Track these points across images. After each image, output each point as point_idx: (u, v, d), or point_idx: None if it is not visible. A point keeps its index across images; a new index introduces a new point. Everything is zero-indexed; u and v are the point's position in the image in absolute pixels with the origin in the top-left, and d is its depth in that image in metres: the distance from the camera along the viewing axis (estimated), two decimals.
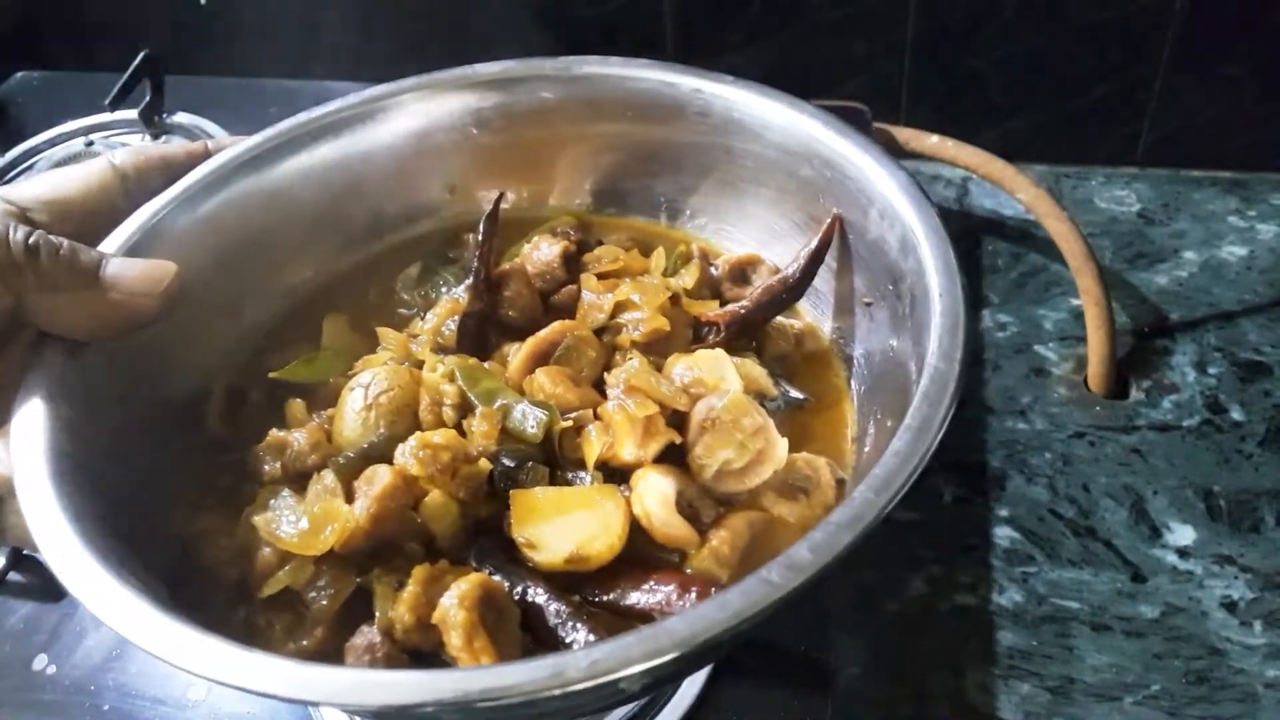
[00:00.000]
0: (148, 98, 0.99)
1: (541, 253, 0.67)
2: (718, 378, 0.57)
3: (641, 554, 0.52)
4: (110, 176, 0.60)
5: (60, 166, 0.94)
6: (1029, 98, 0.94)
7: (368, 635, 0.48)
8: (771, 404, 0.60)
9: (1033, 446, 0.76)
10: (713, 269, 0.69)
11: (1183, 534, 0.71)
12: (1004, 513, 0.73)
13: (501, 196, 0.66)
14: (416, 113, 0.71)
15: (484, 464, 0.52)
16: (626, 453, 0.53)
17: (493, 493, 0.53)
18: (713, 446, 0.54)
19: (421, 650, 0.48)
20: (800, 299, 0.65)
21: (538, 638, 0.48)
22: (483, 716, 0.41)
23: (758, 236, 0.71)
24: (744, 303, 0.63)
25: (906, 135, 0.85)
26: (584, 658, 0.37)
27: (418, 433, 0.52)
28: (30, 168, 0.98)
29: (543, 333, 0.60)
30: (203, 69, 1.08)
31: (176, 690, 0.67)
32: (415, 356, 0.62)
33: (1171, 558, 0.70)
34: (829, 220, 0.64)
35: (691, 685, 0.65)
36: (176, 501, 0.57)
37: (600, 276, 0.66)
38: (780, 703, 0.64)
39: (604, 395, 0.58)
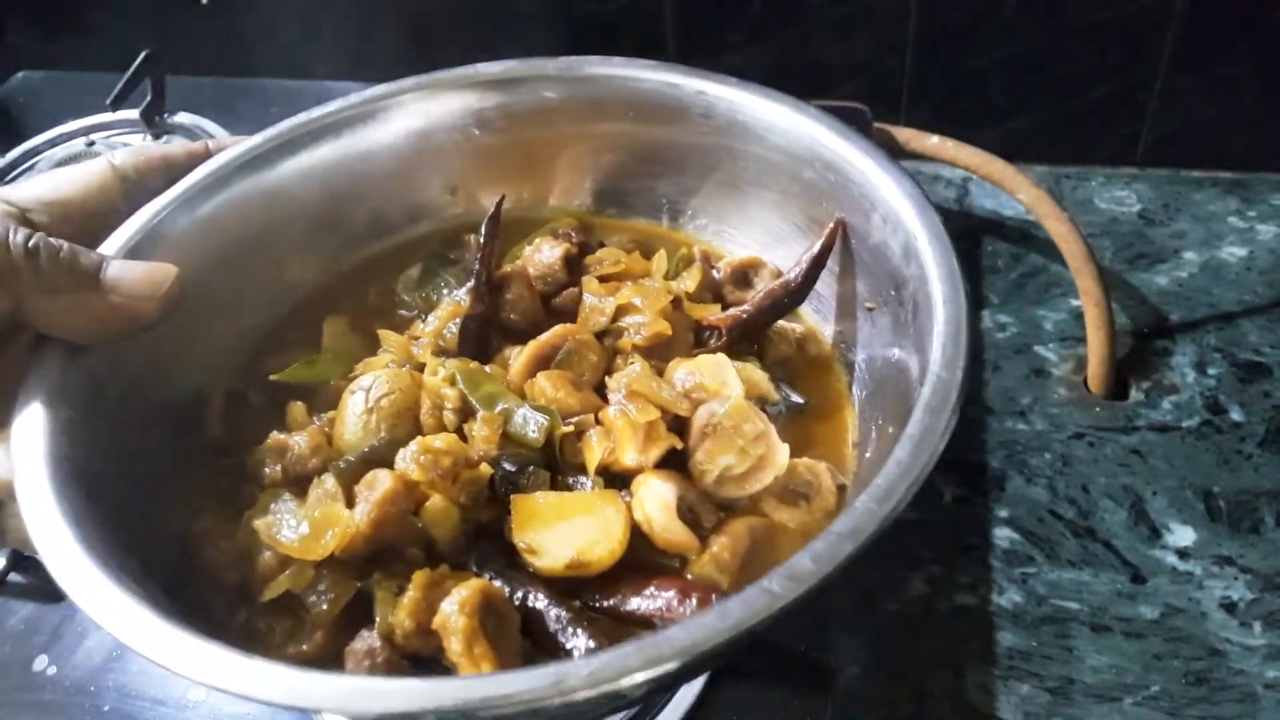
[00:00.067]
0: (149, 98, 0.99)
1: (543, 255, 0.67)
2: (719, 382, 0.57)
3: (642, 559, 0.52)
4: (110, 177, 0.60)
5: (61, 166, 0.94)
6: (1029, 98, 0.94)
7: (368, 640, 0.48)
8: (773, 409, 0.60)
9: (1032, 447, 0.76)
10: (714, 272, 0.68)
11: (1182, 535, 0.71)
12: (1004, 513, 0.73)
13: (503, 199, 0.66)
14: (417, 113, 0.71)
15: (485, 469, 0.52)
16: (628, 458, 0.53)
17: (493, 497, 0.53)
18: (714, 452, 0.54)
19: (421, 655, 0.48)
20: (802, 303, 0.65)
21: (538, 643, 0.48)
22: None
23: (760, 239, 0.70)
24: (746, 307, 0.63)
25: (907, 135, 0.85)
26: (584, 666, 0.37)
27: (419, 437, 0.52)
28: (31, 168, 0.98)
29: (544, 336, 0.60)
30: (204, 69, 1.07)
31: (176, 691, 0.68)
32: (416, 359, 0.62)
33: (1171, 558, 0.70)
34: (832, 224, 0.64)
35: (691, 686, 0.65)
36: (176, 504, 0.57)
37: (602, 279, 0.66)
38: (780, 703, 0.64)
39: (605, 399, 0.58)
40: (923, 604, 0.69)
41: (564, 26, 0.94)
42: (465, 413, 0.56)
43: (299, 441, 0.56)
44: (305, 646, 0.50)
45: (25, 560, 0.75)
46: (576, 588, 0.51)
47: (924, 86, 0.94)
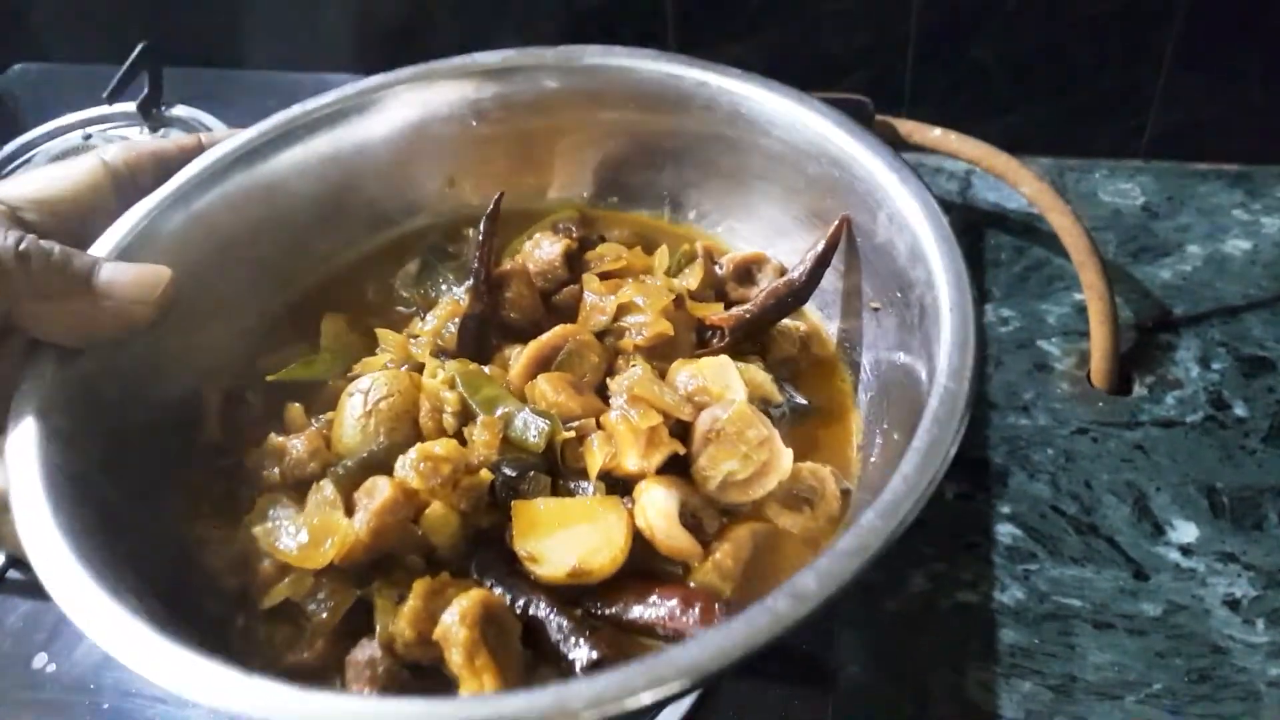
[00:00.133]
0: (146, 91, 0.97)
1: (543, 251, 0.66)
2: (722, 386, 0.56)
3: (645, 566, 0.52)
4: (101, 174, 0.59)
5: (58, 160, 0.93)
6: (1033, 90, 0.93)
7: (368, 650, 0.48)
8: (776, 410, 0.59)
9: (1035, 442, 0.76)
10: (717, 267, 0.68)
11: (1185, 531, 0.71)
12: (1006, 509, 0.73)
13: (501, 197, 0.65)
14: (413, 103, 0.70)
15: (485, 475, 0.52)
16: (630, 464, 0.53)
17: (494, 503, 0.52)
18: (717, 458, 0.53)
19: (422, 665, 0.48)
20: (806, 302, 0.64)
21: (540, 653, 0.48)
22: None
23: (763, 233, 0.70)
24: (748, 306, 0.62)
25: (909, 128, 0.84)
26: (586, 688, 0.36)
27: (418, 444, 0.52)
28: (28, 161, 0.97)
29: (544, 337, 0.59)
30: (201, 61, 1.06)
31: None
32: (415, 359, 0.61)
33: (1174, 555, 0.70)
34: (837, 221, 0.63)
35: None
36: (174, 508, 0.56)
37: (603, 276, 0.65)
38: (781, 702, 0.64)
39: (606, 401, 0.57)
40: (924, 601, 0.69)
41: (562, 16, 0.93)
42: (465, 416, 0.56)
43: (297, 445, 0.55)
44: (306, 655, 0.49)
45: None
46: (578, 595, 0.51)
47: (927, 79, 0.93)
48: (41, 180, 0.57)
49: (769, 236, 0.69)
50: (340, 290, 0.69)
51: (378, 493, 0.50)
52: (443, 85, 0.70)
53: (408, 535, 0.50)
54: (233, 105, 1.00)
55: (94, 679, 0.68)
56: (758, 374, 0.59)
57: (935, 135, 0.83)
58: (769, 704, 0.63)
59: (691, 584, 0.51)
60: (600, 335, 0.61)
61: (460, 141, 0.71)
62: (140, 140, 0.63)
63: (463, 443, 0.54)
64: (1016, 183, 0.81)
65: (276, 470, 0.55)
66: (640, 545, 0.52)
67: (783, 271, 0.66)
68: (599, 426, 0.55)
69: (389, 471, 0.52)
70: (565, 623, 0.48)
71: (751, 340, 0.63)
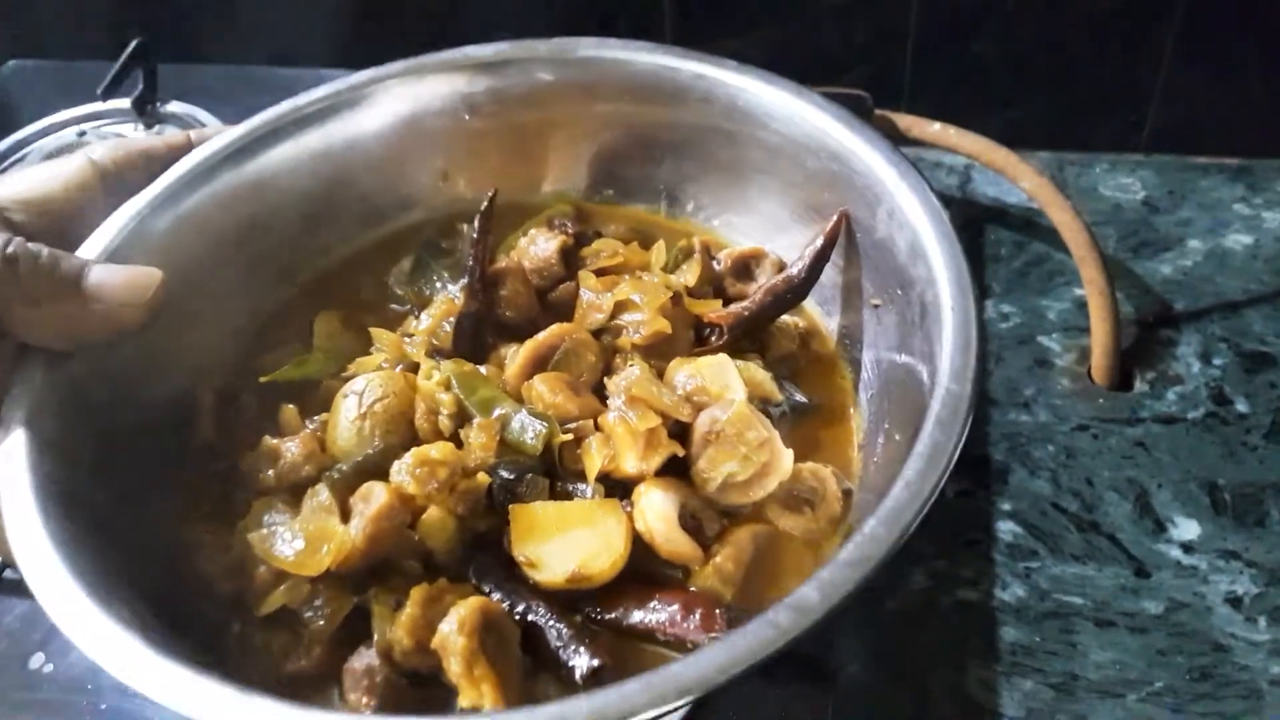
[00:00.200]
0: (140, 87, 0.96)
1: (538, 248, 0.65)
2: (722, 385, 0.56)
3: (645, 569, 0.51)
4: (90, 173, 0.58)
5: (51, 158, 0.92)
6: (1032, 84, 0.93)
7: (366, 658, 0.47)
8: (776, 409, 0.59)
9: (1036, 439, 0.76)
10: (715, 263, 0.67)
11: (1187, 528, 0.71)
12: (1006, 507, 0.72)
13: (495, 194, 0.64)
14: (405, 98, 0.69)
15: (482, 478, 0.51)
16: (628, 465, 0.52)
17: (491, 506, 0.52)
18: (716, 460, 0.52)
19: (421, 673, 0.47)
20: (805, 299, 0.63)
21: (539, 659, 0.48)
22: None
23: (761, 227, 0.69)
24: (747, 304, 0.62)
25: (908, 122, 0.84)
26: (585, 706, 0.36)
27: (414, 449, 0.51)
28: (22, 159, 0.96)
29: (540, 336, 0.58)
30: (197, 57, 1.05)
31: None
32: (410, 359, 0.60)
33: (1175, 552, 0.70)
34: (835, 217, 0.62)
35: None
36: (168, 513, 0.55)
37: (599, 273, 0.64)
38: (781, 702, 0.63)
39: (604, 400, 0.56)
40: (924, 599, 0.69)
41: (558, 9, 0.92)
42: (461, 418, 0.55)
43: (291, 448, 0.55)
44: (303, 663, 0.49)
45: None
46: (577, 599, 0.50)
47: (926, 74, 0.93)
48: (29, 180, 0.56)
49: (767, 231, 0.68)
50: (333, 288, 0.68)
51: (373, 498, 0.49)
52: (434, 79, 0.69)
53: (404, 541, 0.50)
54: (228, 101, 0.99)
55: (91, 679, 0.67)
56: (757, 372, 0.59)
57: (935, 130, 0.83)
58: (769, 704, 0.63)
59: (692, 588, 0.51)
60: (597, 334, 0.60)
61: (453, 135, 0.70)
62: (128, 139, 0.62)
63: (459, 445, 0.53)
64: (1016, 178, 0.80)
65: (271, 473, 0.55)
66: (640, 549, 0.51)
67: (781, 267, 0.66)
68: (597, 428, 0.54)
69: (385, 475, 0.51)
70: (564, 629, 0.47)
71: (750, 337, 0.62)
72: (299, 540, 0.49)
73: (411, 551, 0.50)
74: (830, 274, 0.63)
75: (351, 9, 1.01)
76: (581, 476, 0.53)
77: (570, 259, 0.66)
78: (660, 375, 0.58)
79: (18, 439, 0.49)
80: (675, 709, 0.37)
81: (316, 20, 1.02)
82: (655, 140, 0.70)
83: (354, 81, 0.68)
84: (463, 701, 0.45)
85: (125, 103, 0.97)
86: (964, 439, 0.43)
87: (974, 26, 0.90)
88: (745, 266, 0.67)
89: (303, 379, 0.61)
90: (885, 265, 0.59)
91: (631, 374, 0.56)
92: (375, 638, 0.48)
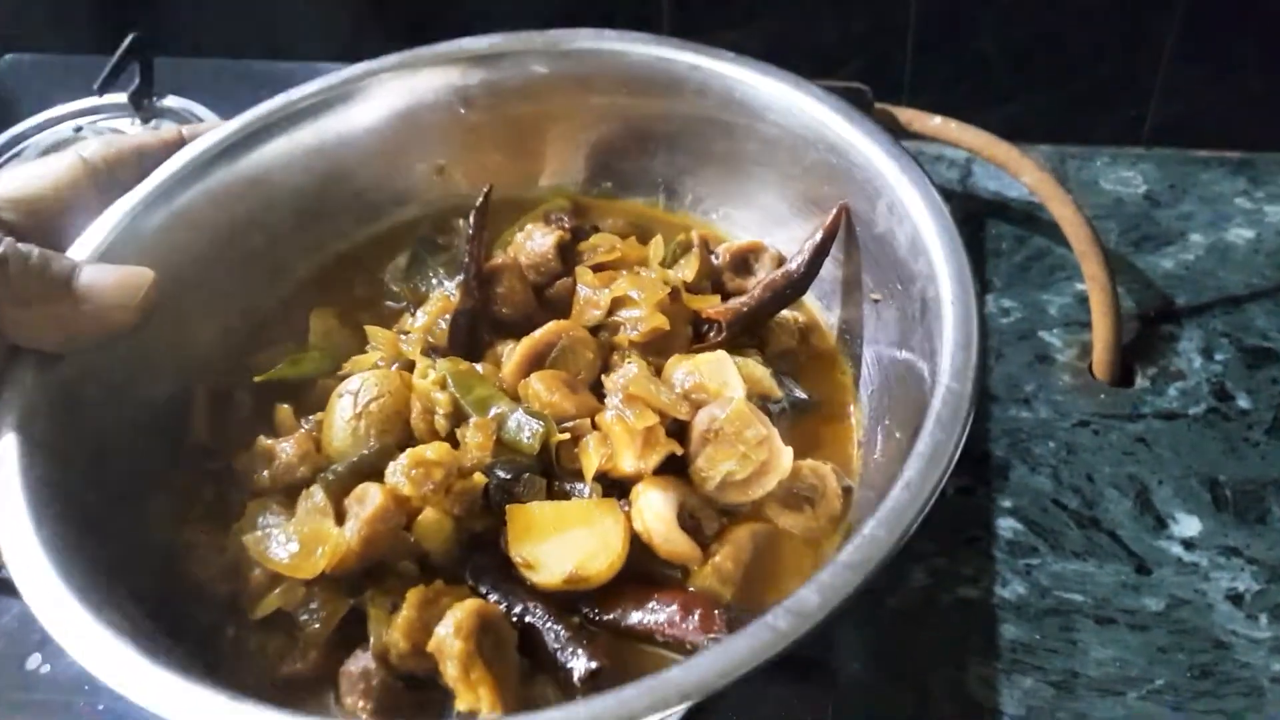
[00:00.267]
0: (137, 81, 0.95)
1: (535, 243, 0.65)
2: (720, 383, 0.55)
3: (643, 569, 0.51)
4: (80, 171, 0.58)
5: (48, 153, 0.91)
6: (1033, 78, 0.92)
7: (362, 661, 0.47)
8: (775, 406, 0.58)
9: (1036, 435, 0.75)
10: (713, 257, 0.66)
11: (1188, 525, 0.70)
12: (1007, 503, 0.72)
13: (490, 190, 0.64)
14: (399, 91, 0.69)
15: (479, 478, 0.51)
16: (626, 464, 0.52)
17: (488, 506, 0.51)
18: (715, 458, 0.52)
19: (417, 676, 0.47)
20: (804, 294, 0.63)
21: (536, 661, 0.47)
22: None
23: (760, 221, 0.68)
24: (745, 299, 0.61)
25: (909, 116, 0.83)
26: (583, 712, 0.35)
27: (409, 450, 0.50)
28: (19, 154, 0.95)
29: (537, 334, 0.58)
30: (194, 50, 1.04)
31: None
32: (405, 356, 0.60)
33: (1176, 549, 0.69)
34: (835, 210, 0.62)
35: None
36: (161, 514, 0.55)
37: (596, 269, 0.64)
38: (781, 701, 0.63)
39: (601, 398, 0.56)
40: (924, 597, 0.68)
41: (558, 4, 0.91)
42: (457, 417, 0.54)
43: (286, 449, 0.54)
44: (299, 666, 0.49)
45: None
46: (575, 600, 0.50)
47: (926, 67, 0.92)
48: (19, 178, 0.56)
49: (766, 224, 0.68)
50: (328, 285, 0.68)
51: (369, 500, 0.48)
52: (428, 72, 0.69)
53: (400, 542, 0.49)
54: (226, 95, 0.98)
55: (89, 679, 0.65)
56: (756, 369, 0.58)
57: (935, 123, 0.82)
58: (769, 703, 0.62)
59: (691, 588, 0.51)
60: (594, 330, 0.60)
61: (448, 129, 0.70)
62: (119, 136, 0.61)
63: (455, 444, 0.53)
64: (1017, 172, 0.80)
65: (266, 474, 0.54)
66: (638, 548, 0.51)
67: (780, 261, 0.65)
68: (594, 427, 0.54)
69: (380, 475, 0.51)
70: (562, 631, 0.47)
71: (749, 333, 0.62)
72: (294, 543, 0.49)
73: (407, 553, 0.50)
74: (830, 268, 0.63)
75: (349, 2, 1.00)
76: (579, 476, 0.53)
77: (567, 254, 0.65)
78: (658, 372, 0.57)
79: (9, 442, 0.48)
80: (674, 713, 0.36)
81: (314, 13, 1.01)
82: (652, 133, 0.70)
83: (347, 75, 0.67)
84: (460, 705, 0.44)
85: (122, 97, 0.96)
86: (964, 439, 0.43)
87: (974, 19, 0.89)
88: (744, 261, 0.66)
89: (297, 378, 0.60)
90: (885, 260, 0.58)
91: (629, 371, 0.55)
92: (371, 641, 0.47)
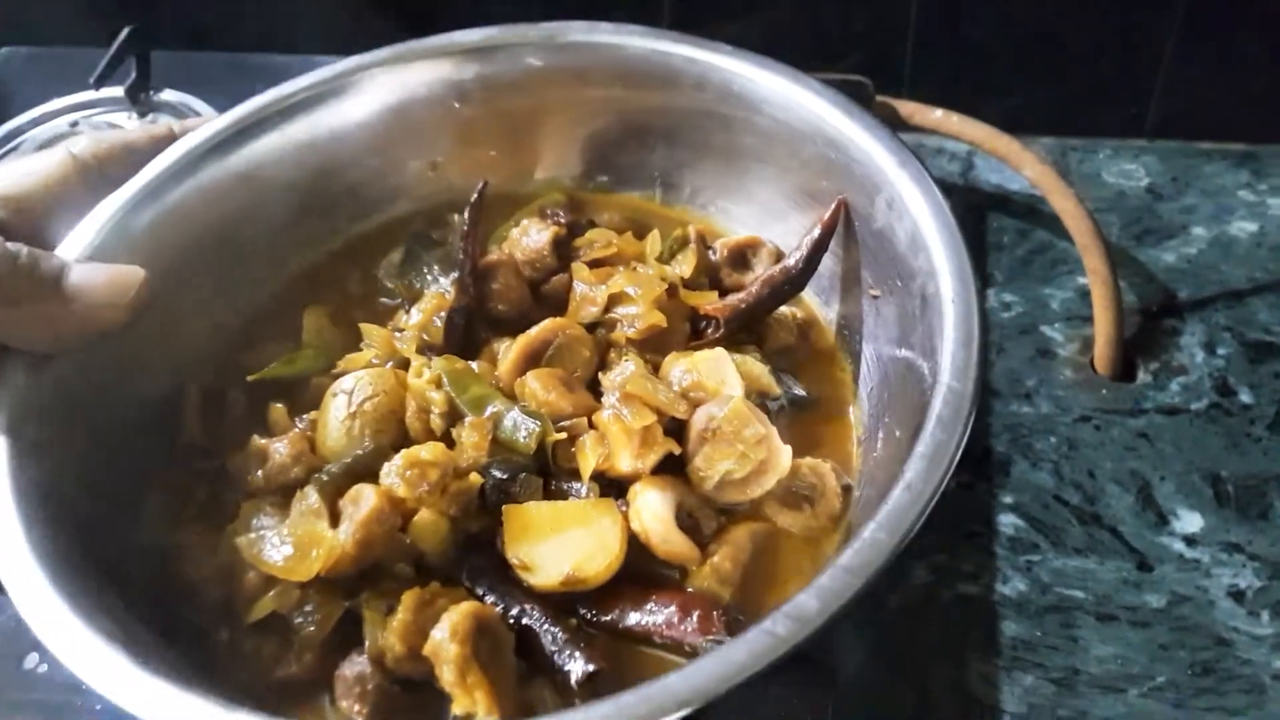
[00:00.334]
0: (133, 75, 0.95)
1: (530, 239, 0.64)
2: (718, 381, 0.54)
3: (641, 569, 0.51)
4: (70, 168, 0.57)
5: (44, 149, 0.90)
6: (1035, 70, 0.91)
7: (358, 665, 0.46)
8: (774, 404, 0.58)
9: (1038, 430, 0.75)
10: (711, 252, 0.66)
11: (1190, 521, 0.70)
12: (1008, 499, 0.71)
13: (485, 185, 0.63)
14: (391, 85, 0.68)
15: (474, 478, 0.50)
16: (623, 464, 0.51)
17: (484, 506, 0.51)
18: (713, 457, 0.51)
19: (413, 679, 0.46)
20: (803, 289, 0.62)
21: (534, 664, 0.47)
22: None
23: (757, 215, 0.68)
24: (743, 295, 0.61)
25: (910, 109, 0.82)
26: (582, 719, 0.35)
27: (404, 451, 0.50)
28: (15, 149, 0.94)
29: (533, 332, 0.57)
30: (190, 43, 1.03)
31: None
32: (400, 354, 0.59)
33: (1178, 545, 0.69)
34: (833, 205, 0.61)
35: None
36: (154, 515, 0.54)
37: (592, 264, 0.63)
38: (781, 700, 0.62)
39: (598, 396, 0.55)
40: (925, 593, 0.68)
41: None
42: (453, 416, 0.54)
43: (280, 449, 0.54)
44: (294, 669, 0.48)
45: None
46: (573, 601, 0.49)
47: (927, 59, 0.91)
48: (7, 176, 0.55)
49: (763, 219, 0.67)
50: (322, 282, 0.67)
51: (363, 502, 0.48)
52: (421, 66, 0.68)
53: (395, 544, 0.49)
54: (223, 89, 0.97)
55: None
56: (754, 366, 0.58)
57: (937, 117, 0.81)
58: (769, 703, 0.62)
59: (689, 589, 0.50)
60: (591, 327, 0.59)
61: (442, 123, 0.69)
62: (109, 132, 0.61)
63: (450, 444, 0.52)
64: (1019, 165, 0.79)
65: (260, 474, 0.54)
66: (636, 548, 0.50)
67: (778, 256, 0.65)
68: (591, 425, 0.53)
69: (375, 476, 0.50)
70: (559, 633, 0.47)
71: (747, 329, 0.61)
72: (288, 545, 0.48)
73: (403, 555, 0.49)
74: (828, 264, 0.62)
75: None
76: (576, 475, 0.52)
77: (563, 250, 0.65)
78: (655, 370, 0.57)
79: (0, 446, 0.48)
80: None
81: (312, 7, 1.00)
82: (649, 126, 0.69)
83: (339, 70, 0.67)
84: (456, 709, 0.44)
85: (118, 91, 0.95)
86: (966, 438, 0.42)
87: (976, 11, 0.89)
88: (742, 256, 0.66)
89: (291, 376, 0.60)
90: (884, 255, 0.58)
91: (626, 369, 0.55)
92: (367, 644, 0.47)
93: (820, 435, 0.58)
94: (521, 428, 0.52)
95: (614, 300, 0.59)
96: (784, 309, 0.63)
